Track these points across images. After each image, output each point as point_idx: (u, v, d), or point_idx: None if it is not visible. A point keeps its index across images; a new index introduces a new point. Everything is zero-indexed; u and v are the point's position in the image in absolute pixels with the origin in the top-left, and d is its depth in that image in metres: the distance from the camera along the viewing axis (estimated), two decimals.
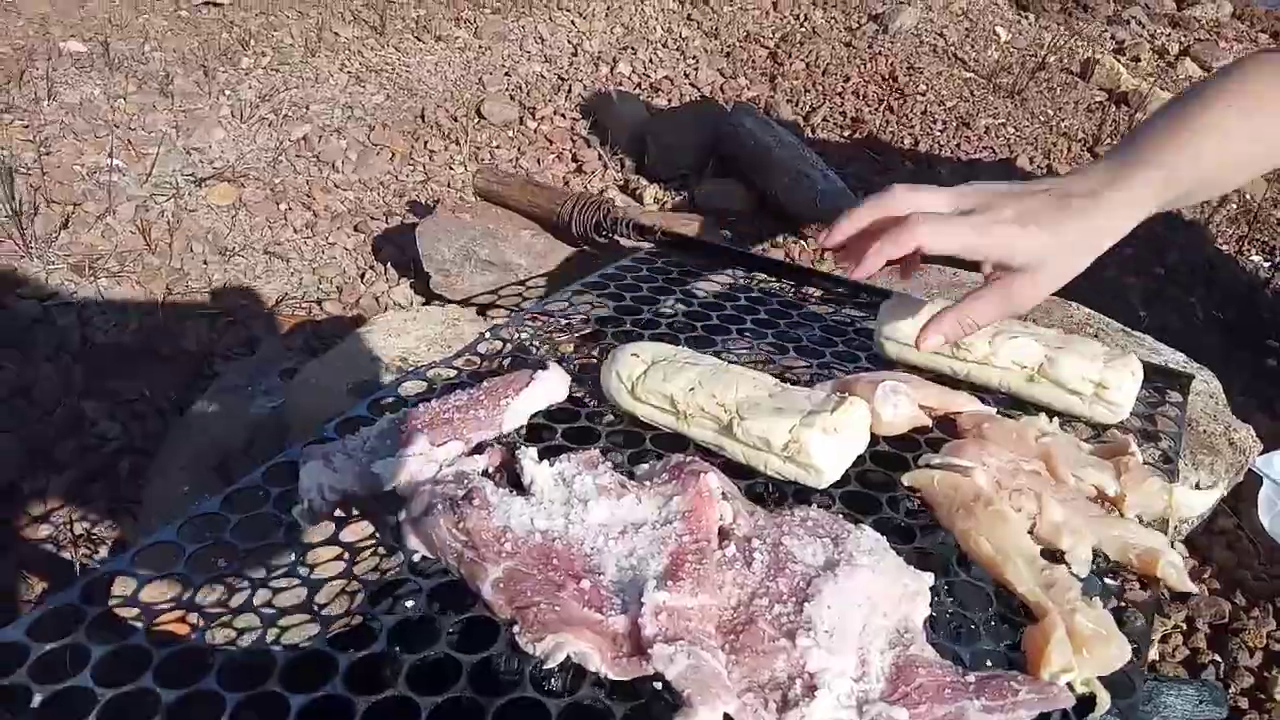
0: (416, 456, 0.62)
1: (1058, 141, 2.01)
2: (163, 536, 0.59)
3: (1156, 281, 1.46)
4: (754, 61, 2.34)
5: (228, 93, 1.79)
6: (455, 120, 1.83)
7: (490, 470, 0.63)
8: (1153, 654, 0.83)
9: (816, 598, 0.50)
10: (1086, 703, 0.48)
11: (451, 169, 1.68)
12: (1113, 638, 0.51)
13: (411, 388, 0.75)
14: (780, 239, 1.54)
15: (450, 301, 1.23)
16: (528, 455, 0.61)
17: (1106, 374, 0.72)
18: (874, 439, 0.68)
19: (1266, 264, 1.65)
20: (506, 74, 2.07)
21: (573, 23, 2.41)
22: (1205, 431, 0.83)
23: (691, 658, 0.46)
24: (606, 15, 2.49)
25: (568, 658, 0.47)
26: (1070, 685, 0.48)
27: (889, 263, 0.61)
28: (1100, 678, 0.49)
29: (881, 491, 0.64)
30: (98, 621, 0.52)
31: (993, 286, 0.63)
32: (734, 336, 0.84)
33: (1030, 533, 0.60)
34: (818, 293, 0.95)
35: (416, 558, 0.57)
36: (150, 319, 1.20)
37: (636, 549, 0.54)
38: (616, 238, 1.11)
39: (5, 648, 0.50)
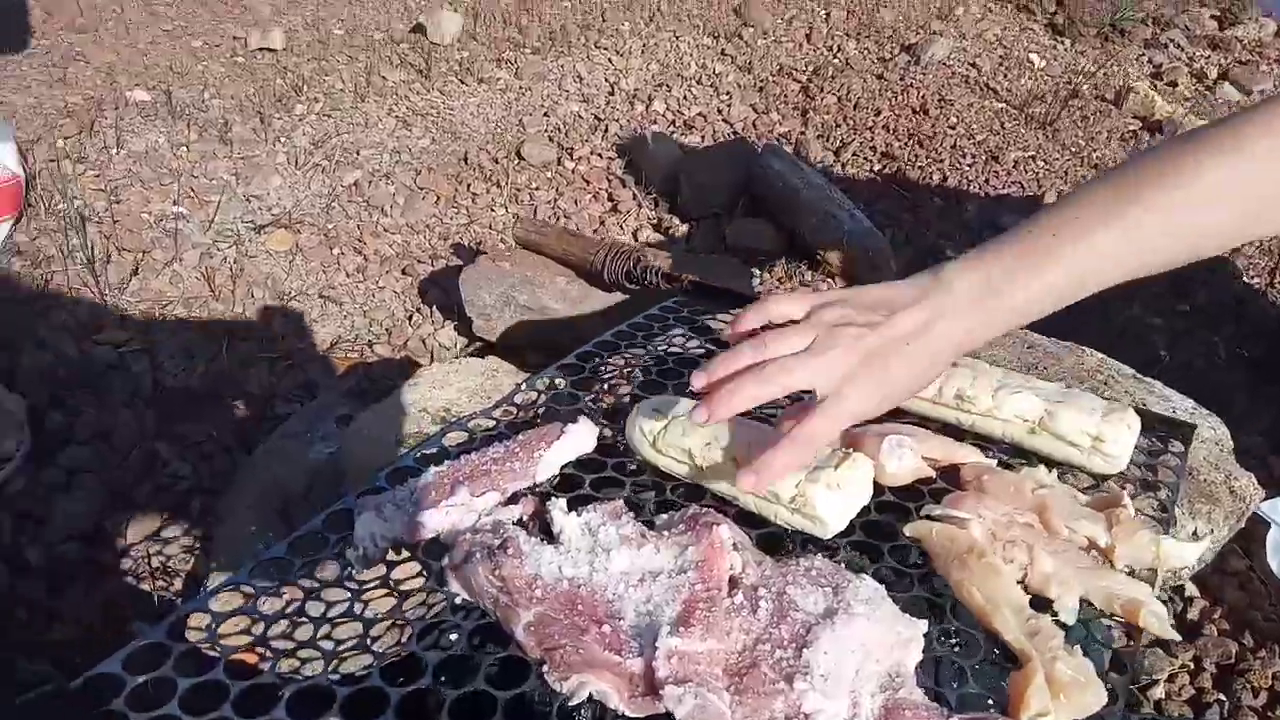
0: (458, 507, 0.69)
1: (1087, 174, 2.04)
2: (236, 579, 0.66)
3: (1183, 319, 1.49)
4: (786, 96, 2.40)
5: (283, 139, 1.89)
6: (496, 162, 1.92)
7: (525, 518, 0.70)
8: (1158, 693, 0.86)
9: (815, 644, 0.56)
10: None
11: (493, 210, 1.76)
12: (1089, 684, 0.56)
13: (454, 438, 0.81)
14: (809, 278, 1.59)
15: (486, 341, 1.30)
16: (557, 506, 0.67)
17: (1103, 427, 0.76)
18: (880, 489, 0.73)
19: None
20: (545, 114, 2.15)
21: (610, 60, 2.50)
22: (1206, 480, 0.86)
23: (699, 698, 0.52)
24: (643, 52, 2.57)
25: (590, 696, 0.54)
26: None
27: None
28: None
29: (885, 541, 0.69)
30: (182, 656, 0.59)
31: (799, 430, 0.65)
32: None
33: (1022, 582, 0.64)
34: None
35: (458, 600, 0.64)
36: (215, 363, 1.30)
37: (653, 596, 0.60)
38: (647, 284, 1.18)
39: (106, 679, 0.57)
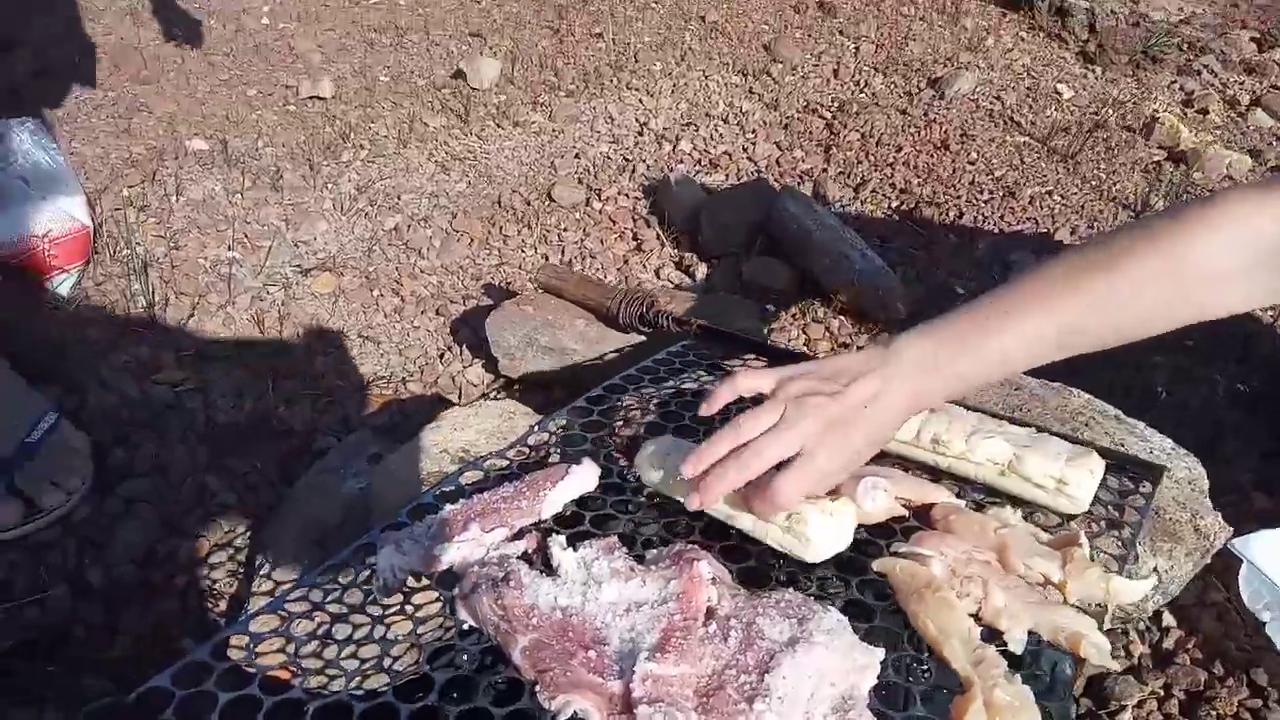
0: (469, 542, 0.77)
1: (1104, 208, 2.07)
2: (274, 603, 0.75)
3: (1186, 355, 1.52)
4: (811, 132, 2.46)
5: (330, 186, 2.01)
6: (528, 204, 2.02)
7: (529, 552, 0.78)
8: (1126, 717, 0.91)
9: (776, 669, 0.63)
10: None
11: (523, 251, 1.86)
12: (1025, 708, 0.62)
13: (470, 476, 0.90)
14: (821, 314, 1.66)
15: (510, 378, 1.39)
16: (557, 542, 0.75)
17: (1067, 471, 0.82)
18: (858, 526, 0.80)
19: None
20: (577, 156, 2.25)
21: (640, 101, 2.59)
22: (1171, 519, 0.91)
23: (668, 717, 0.59)
24: (673, 92, 2.66)
25: (574, 714, 0.61)
26: None
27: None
28: None
29: (855, 575, 0.76)
30: (224, 673, 0.68)
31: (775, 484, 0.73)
32: None
33: (976, 615, 0.71)
34: None
35: (465, 626, 0.72)
36: (262, 401, 1.40)
37: (637, 624, 0.67)
38: (659, 328, 1.26)
39: (156, 691, 0.66)
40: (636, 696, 0.60)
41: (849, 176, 2.22)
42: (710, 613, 0.69)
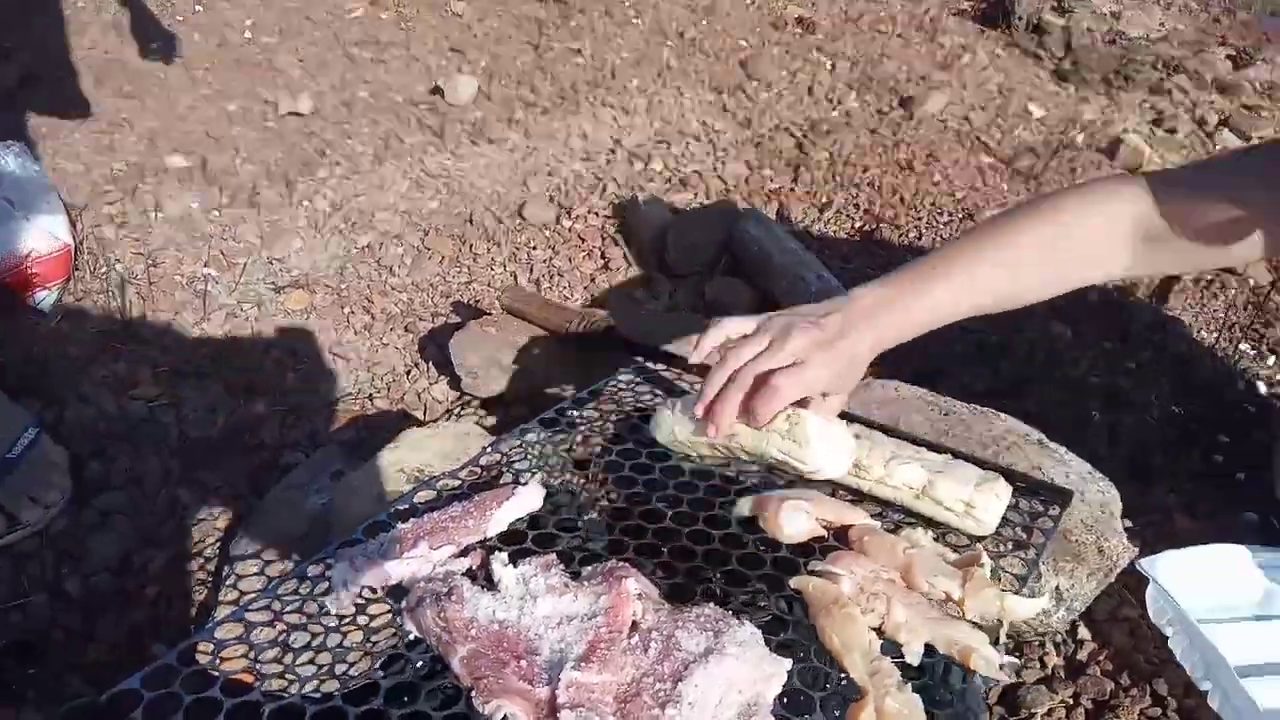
0: (418, 559, 0.83)
1: None
2: (237, 614, 0.81)
3: (1125, 376, 1.60)
4: (781, 152, 2.53)
5: (305, 203, 2.07)
6: (500, 222, 2.08)
7: (473, 568, 0.84)
8: None
9: (689, 678, 0.69)
10: None
11: (492, 269, 1.92)
12: (913, 716, 0.68)
13: (424, 496, 0.96)
14: None
15: (475, 399, 1.45)
16: (498, 559, 0.82)
17: (975, 496, 0.89)
18: (778, 546, 0.86)
19: (1252, 351, 1.76)
20: (549, 174, 2.31)
21: (614, 119, 2.65)
22: (1077, 541, 0.98)
23: None
24: (647, 110, 2.72)
25: (505, 717, 0.67)
26: None
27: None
28: None
29: (774, 591, 0.82)
30: (189, 676, 0.74)
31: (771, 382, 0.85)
32: None
33: (880, 629, 0.77)
34: None
35: (411, 636, 0.78)
36: (233, 417, 1.46)
37: (566, 636, 0.73)
38: (610, 349, 1.33)
39: (127, 693, 0.72)
40: (561, 702, 0.67)
41: (815, 197, 2.29)
42: (635, 626, 0.75)
